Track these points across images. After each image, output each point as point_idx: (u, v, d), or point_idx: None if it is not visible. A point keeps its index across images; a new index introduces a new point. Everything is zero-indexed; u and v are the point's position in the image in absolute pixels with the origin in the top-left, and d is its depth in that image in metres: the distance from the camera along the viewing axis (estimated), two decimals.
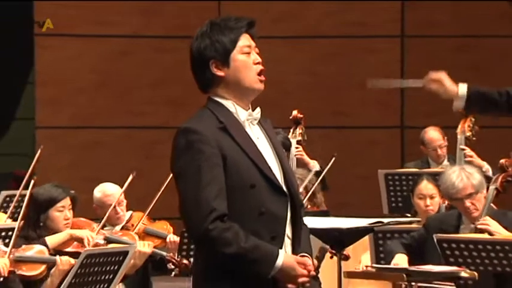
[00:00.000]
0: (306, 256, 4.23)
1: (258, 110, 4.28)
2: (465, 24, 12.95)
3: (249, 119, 4.24)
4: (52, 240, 6.44)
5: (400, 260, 6.78)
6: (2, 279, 5.84)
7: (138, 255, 7.05)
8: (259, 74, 4.25)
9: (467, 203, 6.83)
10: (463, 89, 5.48)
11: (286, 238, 4.21)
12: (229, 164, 4.12)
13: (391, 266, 6.78)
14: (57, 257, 6.20)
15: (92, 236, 6.62)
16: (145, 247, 7.05)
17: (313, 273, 4.25)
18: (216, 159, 4.10)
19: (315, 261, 7.09)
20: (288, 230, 4.23)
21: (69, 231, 6.55)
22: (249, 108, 4.27)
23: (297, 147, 9.15)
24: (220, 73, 4.22)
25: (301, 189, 8.11)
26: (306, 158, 9.08)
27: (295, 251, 4.23)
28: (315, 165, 8.94)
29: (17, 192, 8.29)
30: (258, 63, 4.25)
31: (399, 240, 7.07)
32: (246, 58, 4.24)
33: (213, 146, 4.10)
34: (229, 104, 4.23)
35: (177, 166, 4.15)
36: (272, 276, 4.12)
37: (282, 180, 4.23)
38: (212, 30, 4.24)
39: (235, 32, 4.24)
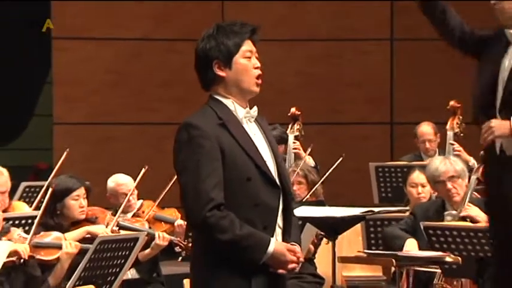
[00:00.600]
0: (295, 244, 4.23)
1: (255, 108, 4.29)
2: None
3: (246, 117, 4.25)
4: (70, 236, 6.44)
5: (411, 246, 6.77)
6: (22, 261, 5.83)
7: (155, 246, 7.07)
8: (257, 78, 4.26)
9: (449, 185, 6.85)
10: None
11: (277, 228, 4.22)
12: (227, 158, 4.13)
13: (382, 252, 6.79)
14: (63, 242, 6.20)
15: (107, 232, 6.61)
16: (162, 241, 7.07)
17: (301, 260, 4.25)
18: (215, 153, 4.11)
19: (312, 247, 7.13)
20: (280, 220, 4.24)
21: (86, 228, 6.54)
22: (247, 107, 4.27)
23: (294, 142, 9.16)
24: (222, 73, 4.24)
25: (302, 179, 8.15)
26: (302, 153, 9.08)
27: (285, 240, 4.23)
28: (310, 161, 8.94)
29: (36, 184, 8.29)
30: (257, 67, 4.27)
31: (396, 226, 7.07)
32: (247, 62, 4.25)
33: (212, 140, 4.12)
34: (228, 102, 4.24)
35: (179, 159, 4.18)
36: (264, 262, 4.13)
37: (276, 174, 4.24)
38: (218, 33, 4.25)
39: (240, 37, 4.25)
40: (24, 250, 5.85)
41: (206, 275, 4.18)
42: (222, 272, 4.13)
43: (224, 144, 4.14)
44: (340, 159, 8.63)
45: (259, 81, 4.27)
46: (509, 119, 5.09)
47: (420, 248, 6.40)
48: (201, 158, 4.10)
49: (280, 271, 4.18)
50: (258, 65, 4.27)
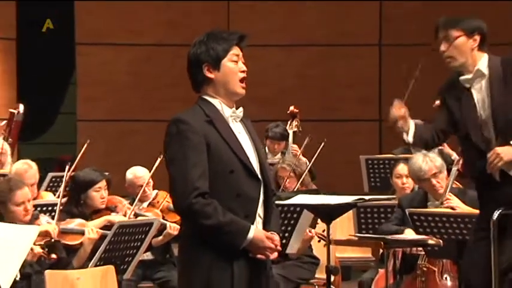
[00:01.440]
0: (274, 233, 4.19)
1: (241, 109, 4.28)
2: (433, 34, 12.92)
3: (232, 116, 4.24)
4: (92, 224, 6.43)
5: (410, 234, 6.77)
6: (53, 240, 5.83)
7: (167, 234, 7.07)
8: (241, 81, 4.25)
9: (434, 181, 6.84)
10: (411, 129, 5.53)
11: (257, 217, 4.20)
12: (212, 152, 4.12)
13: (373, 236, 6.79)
14: (86, 228, 6.20)
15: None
16: (173, 230, 7.06)
17: (279, 248, 4.20)
18: (201, 147, 4.10)
19: (306, 231, 7.12)
20: (260, 210, 4.22)
21: (107, 217, 6.53)
22: (233, 107, 4.26)
23: (292, 146, 9.20)
24: (211, 75, 4.24)
25: (291, 174, 8.18)
26: (298, 157, 9.06)
27: (265, 228, 4.20)
28: (303, 159, 8.95)
29: (61, 174, 8.27)
30: (243, 71, 4.26)
31: (388, 223, 7.07)
32: (234, 65, 4.25)
33: (199, 135, 4.11)
34: (216, 102, 4.24)
35: (169, 151, 4.17)
36: (244, 247, 4.10)
37: (258, 169, 4.22)
38: (208, 39, 4.27)
39: (228, 43, 4.25)
40: (54, 230, 5.85)
41: (192, 256, 4.15)
42: (206, 254, 4.10)
43: (210, 139, 4.13)
44: (322, 144, 8.63)
45: (244, 85, 4.26)
46: (509, 143, 5.10)
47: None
48: (188, 150, 4.09)
49: (259, 256, 4.14)
50: (244, 69, 4.27)
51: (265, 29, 12.21)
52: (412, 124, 5.48)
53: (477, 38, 5.22)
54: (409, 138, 5.46)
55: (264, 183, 4.22)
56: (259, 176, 4.20)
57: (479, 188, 5.41)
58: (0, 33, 13.12)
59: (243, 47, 4.29)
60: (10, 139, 9.67)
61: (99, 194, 6.77)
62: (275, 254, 4.17)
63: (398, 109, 5.53)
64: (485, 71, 5.20)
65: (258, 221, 4.19)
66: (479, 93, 5.22)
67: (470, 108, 5.22)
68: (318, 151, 8.63)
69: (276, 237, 4.18)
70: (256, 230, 4.12)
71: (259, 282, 4.19)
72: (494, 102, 5.17)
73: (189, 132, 4.11)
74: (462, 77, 5.25)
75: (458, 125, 5.33)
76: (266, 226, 4.20)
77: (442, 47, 5.25)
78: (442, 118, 5.48)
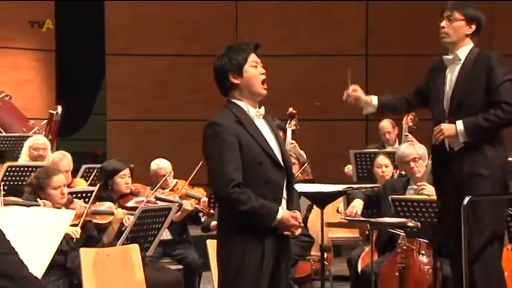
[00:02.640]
0: (297, 211, 4.25)
1: (263, 108, 4.30)
2: (415, 45, 12.96)
3: (256, 115, 4.26)
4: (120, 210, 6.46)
5: (357, 204, 6.81)
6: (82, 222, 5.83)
7: (184, 210, 7.11)
8: (262, 82, 4.27)
9: (412, 164, 6.83)
10: (374, 100, 5.52)
11: (283, 199, 4.23)
12: (243, 147, 4.14)
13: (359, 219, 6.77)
14: (114, 209, 6.21)
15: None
16: (188, 206, 7.10)
17: (302, 224, 4.27)
18: (235, 145, 4.12)
19: (305, 213, 7.12)
20: (284, 194, 4.25)
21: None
22: (257, 107, 4.27)
23: (291, 143, 9.19)
24: (236, 81, 4.25)
25: (295, 161, 8.20)
26: (298, 149, 9.06)
27: (289, 208, 4.24)
28: (303, 154, 8.94)
29: (93, 166, 8.29)
30: (262, 74, 4.28)
31: (363, 192, 7.08)
32: (254, 70, 4.26)
33: (231, 134, 4.13)
34: (242, 104, 4.25)
35: (207, 150, 4.19)
36: (274, 226, 4.13)
37: (280, 158, 4.24)
38: (230, 51, 4.28)
39: (247, 52, 4.27)
40: (75, 231, 5.80)
41: (229, 235, 4.19)
42: (241, 233, 4.14)
43: (241, 137, 4.15)
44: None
45: (265, 86, 4.28)
46: (455, 124, 5.07)
47: (387, 215, 6.38)
48: (223, 149, 4.12)
49: (286, 233, 4.21)
50: (263, 71, 4.29)
51: (269, 43, 12.12)
52: (374, 98, 5.54)
53: (473, 26, 5.18)
54: (364, 112, 5.65)
55: (286, 171, 4.26)
56: (282, 165, 4.24)
57: (434, 158, 5.39)
58: (43, 46, 13.18)
59: (259, 53, 4.32)
60: (50, 136, 9.71)
61: (123, 181, 6.79)
62: (299, 230, 4.25)
63: (348, 90, 5.64)
64: (462, 57, 5.16)
65: (283, 203, 4.23)
66: (451, 74, 5.19)
67: (439, 85, 5.19)
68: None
69: (299, 215, 4.25)
70: (283, 211, 4.16)
71: (284, 255, 4.25)
72: (456, 86, 5.14)
73: (223, 134, 4.13)
74: (445, 56, 5.23)
75: (429, 99, 5.32)
76: (289, 206, 4.25)
77: (443, 24, 5.19)
78: (419, 89, 5.46)
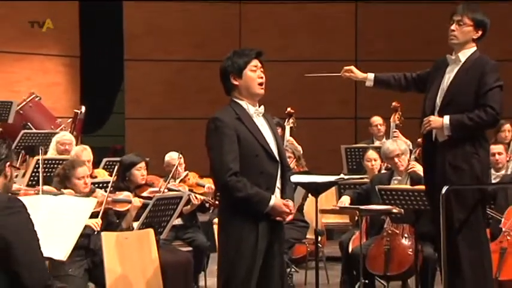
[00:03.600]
0: (289, 200, 4.23)
1: (262, 107, 4.30)
2: (399, 51, 12.97)
3: (255, 113, 4.27)
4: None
5: (344, 199, 6.79)
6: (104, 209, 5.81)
7: (192, 204, 7.08)
8: (259, 84, 4.26)
9: (396, 160, 6.82)
10: (370, 77, 5.45)
11: (276, 189, 4.22)
12: (241, 141, 4.14)
13: (348, 205, 6.77)
14: (132, 198, 6.21)
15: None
16: (196, 201, 7.08)
17: (293, 212, 4.27)
18: (233, 138, 4.13)
19: (301, 201, 7.12)
20: (278, 184, 4.25)
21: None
22: (256, 106, 4.26)
23: (289, 139, 9.19)
24: (236, 82, 4.25)
25: (291, 155, 8.19)
26: (295, 144, 9.05)
27: (282, 197, 4.24)
28: (298, 147, 8.94)
29: (113, 159, 8.29)
30: (260, 77, 4.28)
31: (354, 189, 7.06)
32: (253, 74, 4.26)
33: (231, 129, 4.14)
34: (243, 103, 4.25)
35: (209, 142, 4.19)
36: (267, 212, 4.12)
37: (276, 152, 4.23)
38: (233, 56, 4.30)
39: (248, 57, 4.28)
40: (96, 224, 5.76)
41: (228, 219, 4.19)
42: (238, 218, 4.13)
43: (240, 131, 4.15)
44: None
45: (262, 87, 4.27)
46: (443, 118, 5.05)
47: (374, 203, 6.38)
48: (223, 141, 4.12)
49: (278, 219, 4.20)
50: (262, 75, 4.29)
51: (269, 50, 12.06)
52: (370, 74, 5.48)
53: (480, 32, 5.08)
54: (367, 84, 5.51)
55: (281, 163, 4.26)
56: (277, 158, 4.23)
57: (424, 147, 5.35)
58: (69, 52, 13.20)
59: (262, 60, 4.31)
60: (75, 132, 9.70)
61: (139, 173, 6.75)
62: (290, 217, 4.26)
63: (344, 69, 5.60)
64: (463, 59, 5.08)
65: (277, 192, 4.22)
66: (450, 72, 5.11)
67: (438, 80, 5.12)
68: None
69: (291, 203, 4.24)
70: (275, 199, 4.16)
71: (277, 237, 4.23)
72: (451, 84, 5.07)
73: (224, 128, 4.13)
74: (449, 56, 5.14)
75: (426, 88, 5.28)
76: (283, 195, 4.24)
77: (453, 27, 5.08)
78: (421, 76, 5.38)
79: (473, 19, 5.07)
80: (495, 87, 4.98)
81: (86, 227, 5.14)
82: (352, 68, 5.53)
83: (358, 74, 5.50)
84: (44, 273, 3.46)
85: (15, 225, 3.38)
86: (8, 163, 3.55)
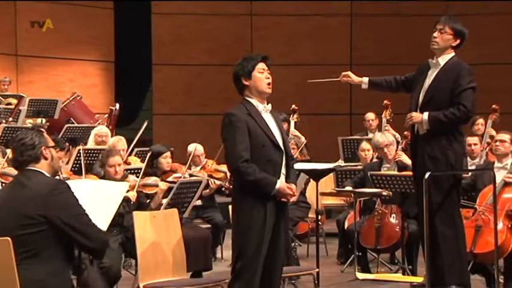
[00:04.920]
0: (292, 184, 4.22)
1: (270, 105, 4.29)
2: (388, 57, 12.95)
3: (263, 109, 4.26)
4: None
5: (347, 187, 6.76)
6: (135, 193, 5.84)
7: (210, 189, 7.07)
8: (268, 84, 4.26)
9: (385, 150, 6.81)
10: (365, 80, 5.40)
11: (282, 175, 4.20)
12: (251, 133, 4.13)
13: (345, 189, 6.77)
14: (159, 182, 6.21)
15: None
16: (213, 185, 7.07)
17: (296, 193, 4.26)
18: (245, 130, 4.12)
19: (303, 186, 7.12)
20: (283, 170, 4.23)
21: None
22: (264, 103, 4.27)
23: (293, 131, 9.18)
24: (246, 83, 4.25)
25: (294, 146, 8.19)
26: (299, 135, 9.04)
27: (286, 181, 4.22)
28: (302, 138, 8.93)
29: (143, 149, 8.29)
30: (267, 78, 4.27)
31: (352, 179, 7.06)
32: (260, 75, 4.26)
33: (243, 123, 4.13)
34: (253, 101, 4.24)
35: (224, 134, 4.19)
36: (273, 194, 4.12)
37: (281, 143, 4.23)
38: (243, 61, 4.31)
39: (255, 61, 4.28)
40: (133, 196, 5.80)
41: (239, 200, 4.19)
42: (249, 199, 4.12)
43: (250, 125, 4.14)
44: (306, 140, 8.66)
45: (269, 87, 4.26)
46: (422, 113, 5.03)
47: (367, 187, 6.37)
48: (236, 133, 4.11)
49: (283, 200, 4.18)
50: (268, 77, 4.28)
51: (275, 55, 12.15)
52: (365, 78, 5.42)
53: (458, 40, 5.04)
54: (362, 87, 5.45)
55: (285, 153, 4.25)
56: (282, 148, 4.22)
57: (411, 139, 5.31)
58: (105, 58, 13.25)
59: (269, 64, 4.30)
60: (110, 126, 9.73)
61: (165, 161, 6.77)
62: (293, 198, 4.24)
63: (342, 75, 5.57)
64: (442, 63, 5.04)
65: (282, 178, 4.20)
66: (430, 75, 5.07)
67: (421, 81, 5.09)
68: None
69: (294, 186, 4.23)
70: (281, 183, 4.15)
71: (282, 215, 4.22)
72: (431, 85, 5.04)
73: (236, 122, 4.13)
74: (430, 60, 5.10)
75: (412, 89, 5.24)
76: (287, 180, 4.23)
77: (435, 34, 5.05)
78: (408, 78, 5.33)
79: (453, 28, 5.04)
80: (468, 89, 4.96)
81: (124, 200, 5.16)
82: (349, 73, 5.50)
83: (355, 78, 5.46)
84: (99, 233, 3.59)
85: (64, 203, 3.49)
86: (43, 147, 3.60)
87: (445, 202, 4.95)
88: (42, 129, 4.00)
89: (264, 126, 4.18)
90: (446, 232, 4.94)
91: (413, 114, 5.05)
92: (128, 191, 5.48)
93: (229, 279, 4.26)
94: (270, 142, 4.17)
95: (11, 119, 9.49)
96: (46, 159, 3.62)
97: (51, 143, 3.70)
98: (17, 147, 3.62)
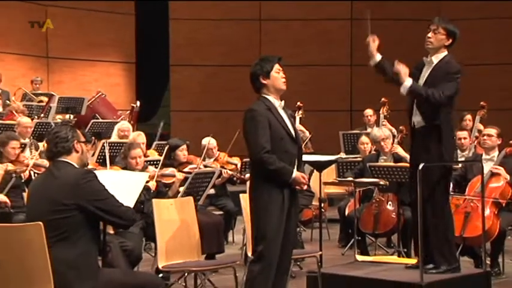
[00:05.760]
0: (304, 173, 4.25)
1: (283, 102, 4.30)
2: (384, 56, 12.80)
3: (279, 106, 4.26)
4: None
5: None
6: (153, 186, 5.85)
7: (223, 178, 7.08)
8: (284, 82, 4.29)
9: (382, 143, 6.80)
10: (378, 57, 5.05)
11: (295, 165, 4.21)
12: (271, 127, 4.15)
13: (346, 179, 6.76)
14: (176, 173, 6.22)
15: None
16: (226, 175, 7.08)
17: (307, 182, 4.26)
18: (266, 124, 4.13)
19: (307, 176, 7.13)
20: (296, 161, 4.23)
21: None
22: (279, 100, 4.28)
23: (298, 127, 9.16)
24: (265, 82, 4.25)
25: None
26: (304, 130, 9.04)
27: (298, 170, 4.22)
28: (306, 133, 8.94)
29: (162, 142, 8.31)
30: (283, 77, 4.30)
31: (352, 170, 7.05)
32: (277, 74, 4.29)
33: (264, 117, 4.14)
34: (270, 98, 4.26)
35: (247, 127, 4.18)
36: (290, 182, 4.14)
37: (294, 136, 4.24)
38: (261, 61, 4.31)
39: (273, 62, 4.30)
40: (153, 186, 5.82)
41: (258, 186, 4.19)
42: (267, 186, 4.14)
43: (270, 119, 4.16)
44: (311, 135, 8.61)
45: (285, 83, 4.30)
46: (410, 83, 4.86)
47: (366, 177, 6.37)
48: (258, 127, 4.12)
49: (298, 187, 4.21)
50: (284, 76, 4.31)
51: (283, 56, 12.18)
52: (378, 56, 5.05)
53: (451, 40, 4.97)
54: (371, 63, 5.05)
55: (298, 145, 4.27)
56: (296, 141, 4.25)
57: (410, 132, 5.22)
58: (127, 59, 13.28)
59: (281, 64, 4.33)
60: (131, 122, 9.75)
61: (182, 153, 6.78)
62: (305, 186, 4.25)
63: (371, 40, 5.11)
64: (435, 61, 4.97)
65: (295, 167, 4.22)
66: (424, 72, 5.00)
67: (415, 79, 4.99)
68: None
69: (306, 176, 4.26)
70: (296, 172, 4.17)
71: (294, 201, 4.24)
72: (424, 83, 4.95)
73: (258, 116, 4.13)
74: (425, 58, 5.02)
75: None
76: (299, 169, 4.24)
77: (429, 35, 4.95)
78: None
79: (446, 29, 4.98)
80: (453, 81, 4.91)
81: (145, 188, 5.18)
82: (372, 44, 5.07)
83: (373, 50, 5.06)
84: (127, 213, 3.69)
85: (92, 190, 3.58)
86: (76, 141, 3.65)
87: (435, 192, 4.94)
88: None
89: (281, 120, 4.21)
90: (434, 221, 4.93)
91: (403, 71, 4.86)
92: (147, 181, 5.50)
93: (249, 260, 4.29)
94: (287, 135, 4.19)
95: (42, 115, 9.56)
96: (77, 152, 3.70)
97: (83, 139, 3.77)
98: (52, 140, 3.69)
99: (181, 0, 13.29)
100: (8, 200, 5.76)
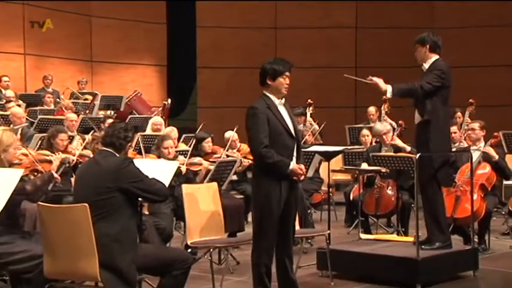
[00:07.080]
0: (301, 164, 4.14)
1: (283, 99, 4.17)
2: (384, 60, 12.79)
3: (279, 103, 4.14)
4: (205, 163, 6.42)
5: (363, 165, 6.68)
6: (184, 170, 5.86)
7: (243, 166, 7.04)
8: (285, 88, 4.16)
9: (384, 136, 6.74)
10: (390, 88, 4.85)
11: (294, 157, 4.12)
12: (270, 123, 4.04)
13: (353, 167, 6.72)
14: (203, 162, 6.22)
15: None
16: (246, 163, 7.04)
17: (304, 173, 4.13)
18: (265, 120, 4.03)
19: (317, 165, 7.09)
20: (294, 154, 4.13)
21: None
22: (280, 98, 4.16)
23: (309, 120, 9.11)
24: (269, 82, 4.15)
25: (310, 133, 8.14)
26: (314, 124, 8.99)
27: (297, 163, 4.12)
28: (316, 126, 8.89)
29: (190, 135, 8.32)
30: (287, 84, 4.16)
31: (360, 159, 7.01)
32: (283, 80, 4.14)
33: (263, 114, 4.04)
34: (272, 96, 4.14)
35: (248, 123, 4.09)
36: (287, 173, 4.05)
37: (293, 131, 4.14)
38: (274, 62, 4.19)
39: (285, 68, 4.16)
40: (182, 166, 5.84)
41: (258, 178, 4.11)
42: (267, 178, 4.05)
43: (269, 116, 4.05)
44: (324, 124, 8.59)
45: (286, 89, 4.16)
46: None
47: (370, 165, 6.34)
48: (258, 123, 4.02)
49: (295, 178, 4.10)
50: (288, 83, 4.17)
51: (296, 59, 12.11)
52: (389, 87, 4.81)
53: (428, 46, 4.89)
54: (388, 95, 4.81)
55: (297, 140, 4.17)
56: (294, 136, 4.14)
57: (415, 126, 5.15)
58: (159, 63, 13.33)
59: (291, 70, 4.19)
60: (164, 117, 9.77)
61: (207, 145, 6.76)
62: (302, 177, 4.13)
63: (372, 80, 4.91)
64: (427, 67, 4.91)
65: (294, 160, 4.12)
66: (421, 76, 4.96)
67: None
68: (322, 126, 8.67)
69: (303, 167, 4.14)
70: (293, 164, 4.07)
71: (293, 191, 4.15)
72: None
73: (258, 113, 4.03)
74: (422, 67, 4.97)
75: None
76: (297, 161, 4.15)
77: (415, 53, 4.95)
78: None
79: (417, 42, 4.93)
80: (437, 76, 4.82)
81: (176, 174, 5.16)
82: (378, 81, 4.86)
83: (382, 85, 4.82)
84: (163, 190, 3.79)
85: (131, 173, 3.66)
86: (130, 144, 3.77)
87: (429, 179, 4.91)
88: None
89: (280, 117, 4.10)
90: (427, 206, 4.93)
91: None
92: (179, 167, 5.51)
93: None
94: (285, 131, 4.08)
95: (87, 111, 9.64)
96: (124, 152, 3.76)
97: (133, 144, 3.81)
98: (115, 130, 3.75)
99: (207, 10, 13.30)
100: (59, 177, 5.80)
